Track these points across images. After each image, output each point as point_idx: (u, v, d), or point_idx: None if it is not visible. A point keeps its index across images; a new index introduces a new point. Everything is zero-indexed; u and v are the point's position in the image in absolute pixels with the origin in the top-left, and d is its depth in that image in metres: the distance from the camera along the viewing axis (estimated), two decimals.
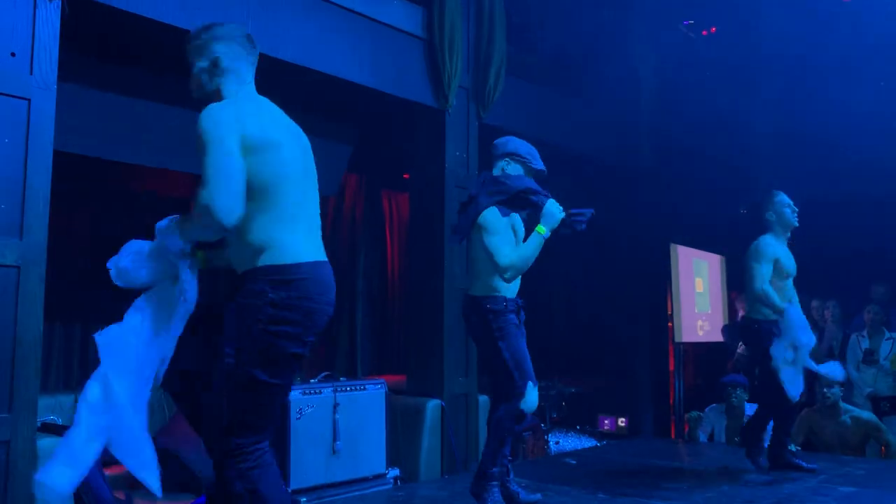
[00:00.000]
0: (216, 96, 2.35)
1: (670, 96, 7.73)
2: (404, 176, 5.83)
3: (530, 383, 3.31)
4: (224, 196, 2.04)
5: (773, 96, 9.03)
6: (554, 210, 3.29)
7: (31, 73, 3.39)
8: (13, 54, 3.35)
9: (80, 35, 3.82)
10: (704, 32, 8.11)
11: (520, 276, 3.41)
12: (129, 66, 4.80)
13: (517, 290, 3.50)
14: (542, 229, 3.25)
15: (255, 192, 2.15)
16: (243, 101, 2.30)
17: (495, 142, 3.57)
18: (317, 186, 2.42)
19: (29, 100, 3.37)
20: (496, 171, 3.50)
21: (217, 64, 2.36)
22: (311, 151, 2.45)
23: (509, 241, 3.35)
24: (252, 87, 2.44)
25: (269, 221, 2.18)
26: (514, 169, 3.44)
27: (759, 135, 9.04)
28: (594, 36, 7.25)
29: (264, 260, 2.17)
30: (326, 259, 2.33)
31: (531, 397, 3.30)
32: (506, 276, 3.26)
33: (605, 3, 7.23)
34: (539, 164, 3.50)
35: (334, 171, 6.39)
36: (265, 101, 2.40)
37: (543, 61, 6.68)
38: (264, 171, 2.17)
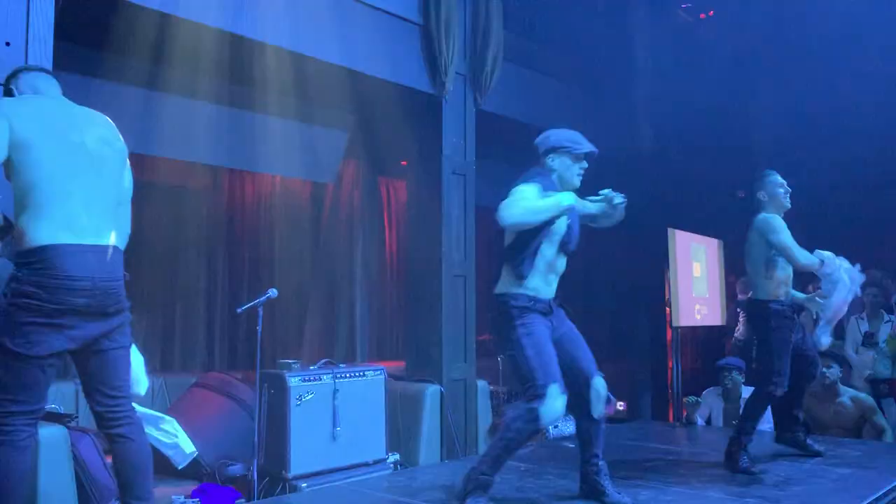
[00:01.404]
0: None
1: (668, 80, 7.71)
2: (402, 163, 5.83)
3: (555, 386, 3.03)
4: None
5: (771, 79, 9.01)
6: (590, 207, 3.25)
7: (27, 63, 3.38)
8: (8, 44, 3.35)
9: (75, 24, 3.81)
10: (702, 16, 8.07)
11: (555, 278, 3.28)
12: (123, 54, 4.79)
13: (552, 292, 3.29)
14: (570, 198, 3.15)
15: (18, 191, 2.59)
16: (24, 101, 2.71)
17: (535, 142, 3.43)
18: (107, 176, 2.75)
19: None
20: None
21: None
22: (106, 143, 2.78)
23: (531, 198, 3.15)
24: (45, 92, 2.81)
25: (25, 215, 2.57)
26: (561, 163, 3.33)
27: (758, 118, 9.02)
28: (592, 21, 7.22)
29: (18, 246, 2.58)
30: (87, 244, 2.61)
31: (553, 403, 3.00)
32: (502, 215, 3.08)
33: None
34: (586, 147, 3.36)
35: (332, 158, 6.40)
36: (47, 102, 2.75)
37: (541, 47, 6.65)
38: (22, 171, 2.56)
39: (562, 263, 3.32)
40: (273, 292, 4.31)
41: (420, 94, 5.40)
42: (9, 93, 2.80)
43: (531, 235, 3.18)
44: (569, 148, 3.34)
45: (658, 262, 7.70)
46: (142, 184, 6.09)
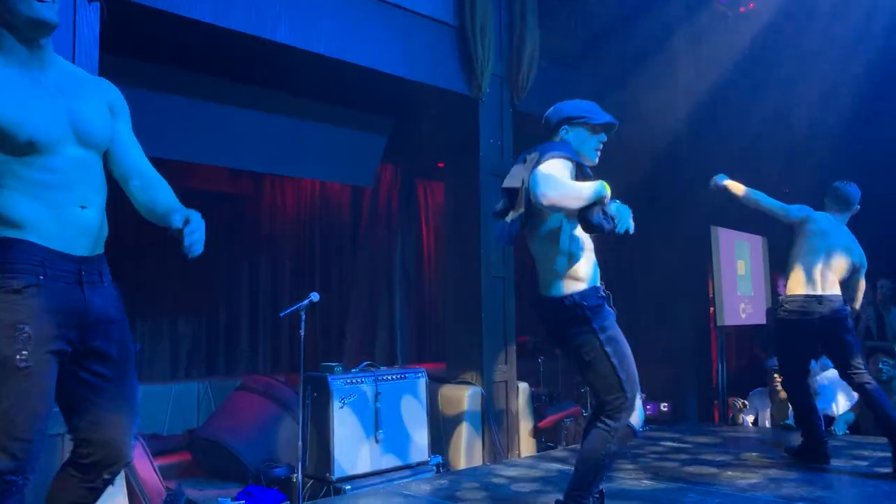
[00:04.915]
0: None
1: (709, 76, 7.59)
2: (439, 165, 5.83)
3: (639, 395, 2.81)
4: None
5: (815, 75, 8.80)
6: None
7: None
8: None
9: (119, 35, 3.89)
10: (742, 9, 7.92)
11: (595, 261, 2.89)
12: (166, 64, 4.88)
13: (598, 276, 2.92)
14: (607, 188, 2.64)
15: None
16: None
17: (546, 115, 3.11)
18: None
19: None
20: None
21: None
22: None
23: (573, 182, 2.73)
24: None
25: None
26: (576, 135, 2.95)
27: (802, 114, 8.83)
28: (630, 18, 7.14)
29: None
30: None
31: (637, 413, 2.80)
32: (544, 193, 2.59)
33: None
34: (604, 118, 2.99)
35: (370, 162, 6.44)
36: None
37: (578, 45, 6.60)
38: None
39: (590, 239, 2.93)
40: (315, 296, 4.33)
41: (457, 95, 5.39)
42: None
43: (566, 220, 2.79)
44: (586, 118, 2.97)
45: (701, 261, 7.58)
46: (184, 191, 6.24)
